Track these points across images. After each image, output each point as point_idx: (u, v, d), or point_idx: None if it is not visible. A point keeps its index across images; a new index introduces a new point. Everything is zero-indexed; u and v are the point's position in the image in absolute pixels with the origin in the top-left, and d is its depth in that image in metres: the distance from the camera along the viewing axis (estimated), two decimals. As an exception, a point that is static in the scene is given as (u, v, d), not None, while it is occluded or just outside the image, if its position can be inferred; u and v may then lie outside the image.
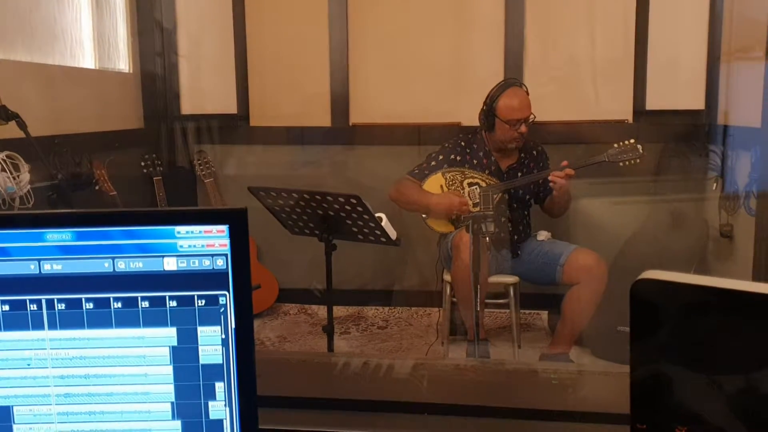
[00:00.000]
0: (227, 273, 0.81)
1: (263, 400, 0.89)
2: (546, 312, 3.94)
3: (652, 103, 3.84)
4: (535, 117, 3.05)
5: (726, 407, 0.66)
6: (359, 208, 2.46)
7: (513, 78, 3.23)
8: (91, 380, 0.83)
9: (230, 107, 4.08)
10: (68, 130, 3.17)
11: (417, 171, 3.15)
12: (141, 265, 0.81)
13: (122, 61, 3.77)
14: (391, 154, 3.94)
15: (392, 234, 2.57)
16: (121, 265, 0.81)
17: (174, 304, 0.82)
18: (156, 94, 3.97)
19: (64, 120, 3.17)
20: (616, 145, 2.99)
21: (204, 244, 0.81)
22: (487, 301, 3.19)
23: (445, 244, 3.16)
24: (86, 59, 3.46)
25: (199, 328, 0.82)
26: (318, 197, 2.50)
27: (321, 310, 4.02)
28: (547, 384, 1.28)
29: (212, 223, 0.81)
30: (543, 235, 3.24)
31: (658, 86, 3.82)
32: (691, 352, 0.67)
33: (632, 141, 2.97)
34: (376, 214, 2.52)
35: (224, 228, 0.81)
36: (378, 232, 2.55)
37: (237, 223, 0.81)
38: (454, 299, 3.18)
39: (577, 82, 3.91)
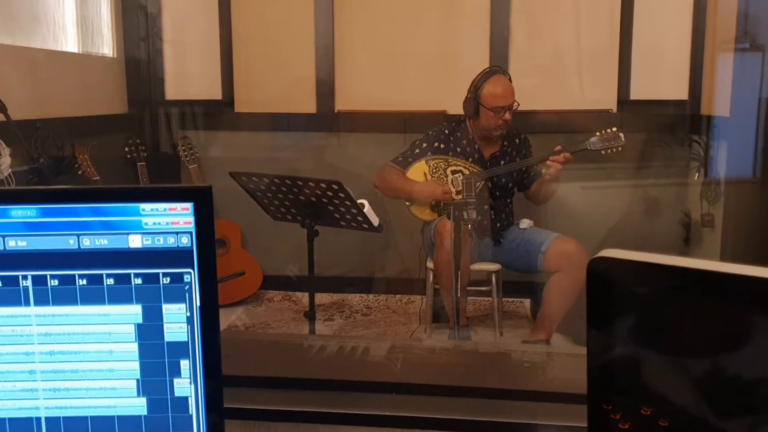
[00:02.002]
0: (192, 250, 0.81)
1: (231, 379, 0.89)
2: (528, 300, 3.96)
3: (636, 92, 3.86)
4: (519, 105, 3.06)
5: (690, 387, 0.67)
6: (341, 194, 2.47)
7: (497, 66, 3.23)
8: (56, 357, 0.83)
9: (215, 93, 4.07)
10: (50, 115, 3.15)
11: (401, 158, 3.16)
12: (106, 242, 0.81)
13: (106, 46, 3.74)
14: (376, 142, 3.94)
15: (374, 221, 2.58)
16: (86, 242, 0.81)
17: (139, 281, 0.82)
18: (140, 78, 3.94)
19: (46, 104, 3.15)
20: (598, 134, 3.00)
21: (169, 221, 0.81)
22: (469, 288, 3.21)
23: (429, 232, 3.17)
24: (69, 43, 3.44)
25: (164, 306, 0.83)
26: (299, 183, 2.50)
27: (305, 297, 3.98)
28: (520, 366, 1.30)
29: (177, 200, 0.81)
30: (525, 223, 3.25)
31: (643, 76, 3.83)
32: (652, 332, 0.67)
33: (614, 129, 2.99)
34: (359, 201, 2.52)
35: (189, 206, 0.81)
36: (360, 219, 2.56)
37: (202, 201, 0.81)
38: (437, 286, 3.20)
39: (561, 72, 3.92)
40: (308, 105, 4.02)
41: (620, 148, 2.97)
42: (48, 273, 0.81)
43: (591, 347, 0.70)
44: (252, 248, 4.09)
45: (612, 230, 3.61)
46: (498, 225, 3.20)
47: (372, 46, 3.98)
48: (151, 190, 0.82)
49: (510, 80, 3.10)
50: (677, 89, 3.79)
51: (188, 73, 4.08)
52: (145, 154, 3.70)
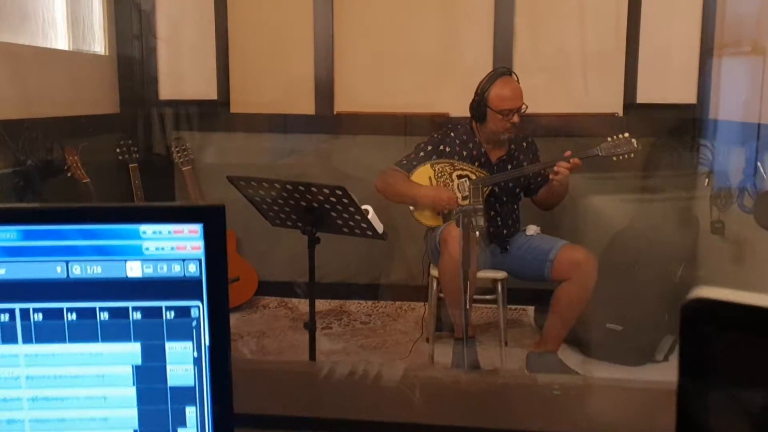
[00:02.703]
0: (200, 280, 0.70)
1: (236, 418, 0.78)
2: (532, 308, 3.86)
3: (643, 96, 3.76)
4: (527, 107, 2.95)
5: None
6: (345, 200, 2.35)
7: (504, 67, 3.12)
8: (39, 404, 0.71)
9: (210, 93, 3.94)
10: (39, 114, 3.03)
11: (405, 162, 3.04)
12: (100, 270, 0.69)
13: (98, 43, 3.61)
14: (376, 144, 3.83)
15: (379, 227, 2.46)
16: (77, 270, 0.69)
17: (138, 315, 0.70)
18: (133, 78, 3.82)
19: (34, 103, 3.02)
20: (609, 139, 2.90)
21: (174, 246, 0.69)
22: (474, 297, 3.10)
23: (433, 238, 3.06)
24: (59, 40, 3.31)
25: (168, 344, 0.71)
26: (301, 188, 2.39)
27: (302, 304, 3.90)
28: (549, 399, 1.18)
29: (184, 221, 0.69)
30: (532, 229, 3.15)
31: (650, 79, 3.74)
32: (755, 383, 0.56)
33: (626, 135, 2.88)
34: (362, 207, 2.41)
35: (198, 228, 0.69)
36: (364, 225, 2.45)
37: (213, 222, 0.69)
38: (441, 295, 3.09)
39: (567, 74, 3.82)
40: (307, 106, 3.90)
41: (632, 155, 2.87)
42: (31, 306, 0.69)
43: (683, 399, 0.59)
44: (247, 253, 3.97)
45: (618, 237, 3.51)
46: (505, 231, 3.09)
47: (372, 45, 3.87)
48: (153, 209, 0.70)
49: (518, 81, 2.99)
50: (685, 92, 3.70)
51: (183, 72, 3.96)
52: (138, 156, 3.58)
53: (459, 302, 2.67)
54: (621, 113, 3.78)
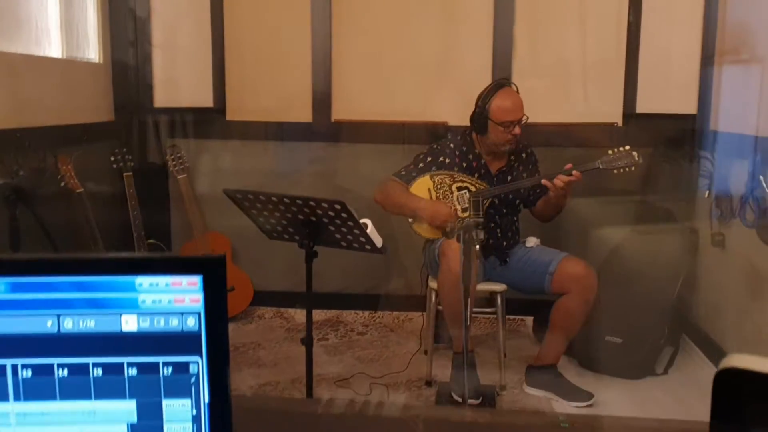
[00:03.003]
0: (200, 335, 0.66)
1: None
2: (531, 318, 3.83)
3: (643, 106, 3.73)
4: (528, 118, 2.92)
5: None
6: (343, 215, 2.31)
7: (504, 78, 3.09)
8: (29, 464, 0.67)
9: (206, 100, 3.90)
10: (32, 123, 2.97)
11: (404, 173, 3.00)
12: (93, 323, 0.65)
13: (92, 50, 3.56)
14: (374, 153, 3.79)
15: (378, 242, 2.42)
16: (68, 324, 0.65)
17: (134, 372, 0.66)
18: (128, 85, 3.76)
19: (27, 112, 2.97)
20: (610, 152, 2.86)
21: (171, 299, 0.65)
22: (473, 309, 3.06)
23: (432, 251, 3.02)
24: (53, 48, 3.25)
25: (165, 402, 0.67)
26: (299, 202, 2.34)
27: (297, 314, 3.86)
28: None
29: (182, 273, 0.65)
30: (532, 241, 3.12)
31: (650, 89, 3.71)
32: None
33: (627, 148, 2.85)
34: (362, 221, 2.37)
35: (197, 279, 0.65)
36: (363, 240, 2.41)
37: (213, 274, 0.66)
38: (440, 307, 3.05)
39: (566, 83, 3.78)
40: (304, 114, 3.86)
41: (633, 168, 2.83)
42: (20, 362, 0.65)
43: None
44: (243, 262, 3.93)
45: (617, 249, 3.48)
46: (504, 243, 3.05)
47: (371, 53, 3.82)
48: (150, 260, 0.66)
49: (518, 93, 2.96)
50: (686, 103, 3.67)
51: (178, 80, 3.91)
52: (133, 164, 3.53)
53: (458, 316, 2.63)
54: (620, 123, 3.75)
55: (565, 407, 2.89)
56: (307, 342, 2.51)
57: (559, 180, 2.79)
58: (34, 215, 2.83)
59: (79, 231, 3.09)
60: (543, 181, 2.84)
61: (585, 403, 2.89)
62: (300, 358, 2.57)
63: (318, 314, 3.82)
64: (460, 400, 2.81)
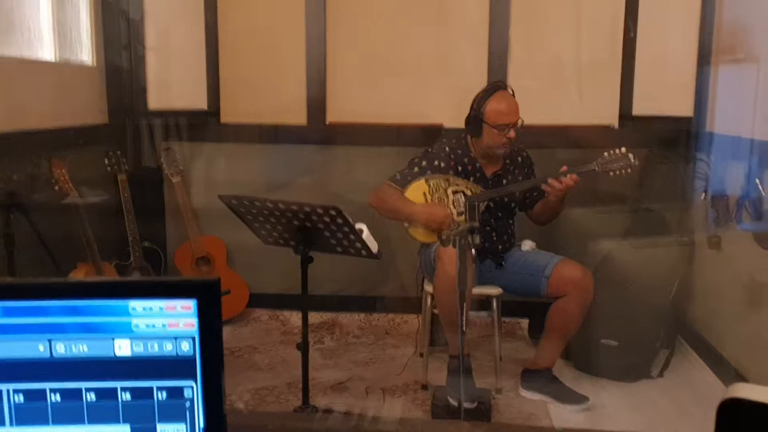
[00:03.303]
0: (194, 359, 0.65)
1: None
2: (526, 320, 3.83)
3: (639, 108, 3.73)
4: (523, 121, 2.91)
5: None
6: (339, 221, 2.30)
7: (500, 81, 3.07)
8: (21, 491, 0.66)
9: (200, 103, 3.88)
10: (25, 127, 2.96)
11: (399, 177, 2.99)
12: (86, 348, 0.64)
13: (85, 53, 3.54)
14: (369, 155, 3.78)
15: (373, 247, 2.42)
16: (61, 349, 0.64)
17: (128, 396, 0.65)
18: (121, 88, 3.74)
19: (20, 115, 2.95)
20: (606, 154, 2.86)
21: (165, 323, 0.64)
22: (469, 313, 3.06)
23: (428, 254, 3.01)
24: (45, 51, 3.23)
25: (159, 426, 0.66)
26: (294, 208, 2.33)
27: (293, 317, 3.85)
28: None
29: (176, 297, 0.64)
30: (527, 245, 3.11)
31: (646, 91, 3.71)
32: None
33: (623, 150, 2.84)
34: (357, 226, 2.36)
35: (191, 303, 0.64)
36: (358, 245, 2.40)
37: (207, 298, 0.65)
38: (435, 310, 3.04)
39: (562, 85, 3.78)
40: (298, 116, 3.84)
41: (629, 170, 2.83)
42: (11, 387, 0.64)
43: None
44: (238, 265, 3.92)
45: (612, 252, 3.47)
46: (500, 247, 3.05)
47: (366, 55, 3.81)
48: (143, 284, 0.65)
49: (514, 96, 2.95)
50: (682, 105, 3.66)
51: (172, 82, 3.89)
52: (127, 167, 3.51)
53: (454, 321, 2.62)
54: (617, 125, 3.74)
55: (560, 410, 2.88)
56: (303, 348, 2.51)
57: (557, 182, 2.79)
58: (28, 220, 2.82)
59: (74, 235, 3.07)
60: (543, 186, 2.84)
61: (580, 407, 2.89)
62: (296, 361, 2.56)
63: (314, 317, 3.82)
64: (455, 404, 2.80)
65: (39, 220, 2.90)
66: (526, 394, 3.00)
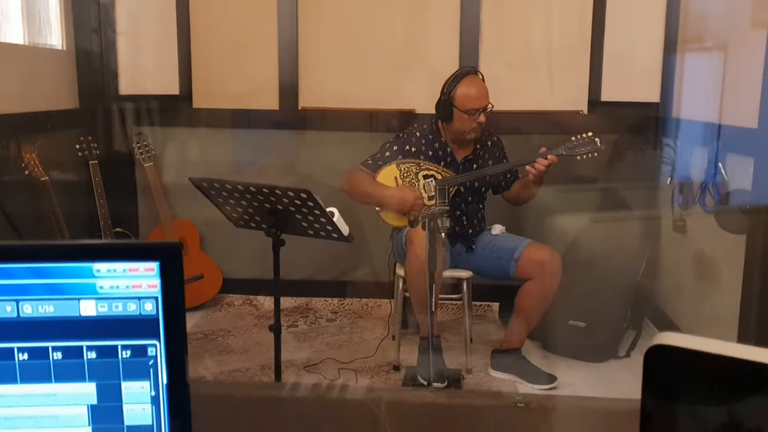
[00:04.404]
0: (157, 319, 0.68)
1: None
2: (497, 304, 3.89)
3: (608, 94, 3.79)
4: (493, 106, 2.95)
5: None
6: (309, 203, 2.32)
7: (469, 66, 3.11)
8: (-10, 446, 0.69)
9: (172, 87, 3.87)
10: (-7, 110, 2.94)
11: (370, 161, 3.02)
12: (52, 309, 0.67)
13: (55, 37, 3.51)
14: (342, 140, 3.80)
15: (344, 230, 2.44)
16: (28, 310, 0.67)
17: (93, 355, 0.68)
18: (92, 72, 3.72)
19: (-12, 99, 2.93)
20: (573, 138, 2.91)
21: (129, 284, 0.67)
22: (440, 296, 3.11)
23: (399, 238, 3.05)
24: (14, 34, 3.21)
25: (124, 384, 0.69)
26: (265, 191, 2.35)
27: (267, 302, 3.88)
28: (514, 412, 1.18)
29: (139, 259, 0.67)
30: (497, 228, 3.16)
31: (614, 77, 3.77)
32: (702, 418, 0.57)
33: (590, 134, 2.90)
34: (328, 209, 2.38)
35: (154, 266, 0.67)
36: (329, 228, 2.42)
37: (169, 261, 0.68)
38: (407, 293, 3.09)
39: (532, 71, 3.83)
40: (270, 101, 3.85)
41: (596, 154, 2.89)
42: (-21, 347, 0.67)
43: (645, 427, 0.59)
44: (211, 250, 3.92)
45: (580, 234, 3.54)
46: (470, 231, 3.10)
47: (337, 40, 3.83)
48: (107, 247, 0.68)
49: (483, 80, 2.99)
50: (649, 91, 3.73)
51: (143, 67, 3.87)
52: (98, 152, 3.50)
53: (425, 303, 2.66)
54: (586, 111, 3.80)
55: (529, 390, 2.95)
56: (276, 329, 2.53)
57: (540, 164, 2.83)
58: (-3, 204, 2.81)
59: (44, 220, 3.06)
60: (527, 167, 2.87)
61: (548, 386, 2.95)
62: (269, 344, 2.59)
63: (287, 301, 3.84)
64: (425, 383, 2.85)
65: (8, 204, 2.88)
66: (495, 373, 3.06)
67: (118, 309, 0.67)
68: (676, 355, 0.56)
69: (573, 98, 3.80)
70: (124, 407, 0.69)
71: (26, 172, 3.04)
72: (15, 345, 0.67)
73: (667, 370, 0.57)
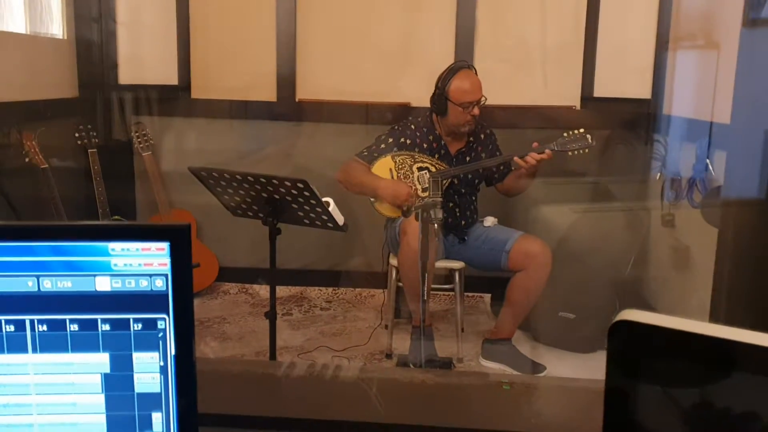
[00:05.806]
0: (167, 295, 0.74)
1: (200, 418, 0.82)
2: (489, 295, 3.95)
3: (600, 90, 3.85)
4: (486, 99, 3.01)
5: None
6: (306, 193, 2.38)
7: (463, 60, 3.17)
8: (10, 410, 0.75)
9: (171, 78, 3.91)
10: (-6, 98, 2.98)
11: (366, 153, 3.08)
12: (70, 284, 0.73)
13: (56, 26, 3.55)
14: (338, 132, 3.85)
15: (339, 219, 2.50)
16: (47, 284, 0.72)
17: (107, 327, 0.74)
18: (92, 61, 3.76)
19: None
20: (565, 134, 2.97)
21: (141, 263, 0.73)
22: (432, 286, 3.17)
23: (393, 229, 3.11)
24: (16, 23, 3.25)
25: (135, 354, 0.75)
26: (263, 180, 2.41)
27: (262, 290, 3.93)
28: (500, 394, 1.25)
29: (151, 239, 0.73)
30: (489, 220, 3.22)
31: (607, 73, 3.83)
32: (672, 401, 0.63)
33: (582, 131, 2.96)
34: (324, 199, 2.44)
35: (164, 246, 0.73)
36: (325, 218, 2.48)
37: (179, 241, 0.73)
38: (400, 283, 3.15)
39: (527, 66, 3.89)
40: (268, 93, 3.90)
41: (587, 150, 2.95)
42: (3, 318, 0.73)
43: (608, 416, 0.65)
44: (208, 239, 3.98)
45: (571, 228, 3.60)
46: (463, 222, 3.16)
47: (335, 33, 3.88)
48: (122, 228, 0.74)
49: (476, 74, 3.04)
50: (641, 87, 3.79)
51: (143, 57, 3.92)
52: (97, 141, 3.55)
53: (417, 292, 2.73)
54: (578, 106, 3.86)
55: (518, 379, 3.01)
56: (271, 315, 2.59)
57: (531, 158, 2.89)
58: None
59: (44, 207, 3.11)
60: (516, 159, 2.93)
61: (538, 376, 3.02)
62: (264, 332, 2.65)
63: (282, 290, 3.90)
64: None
65: (9, 191, 2.93)
66: (485, 363, 3.13)
67: (130, 285, 0.73)
68: (638, 330, 0.62)
69: (566, 93, 3.85)
70: (135, 376, 0.75)
71: (27, 160, 3.09)
72: (35, 317, 0.73)
73: (630, 345, 0.63)
